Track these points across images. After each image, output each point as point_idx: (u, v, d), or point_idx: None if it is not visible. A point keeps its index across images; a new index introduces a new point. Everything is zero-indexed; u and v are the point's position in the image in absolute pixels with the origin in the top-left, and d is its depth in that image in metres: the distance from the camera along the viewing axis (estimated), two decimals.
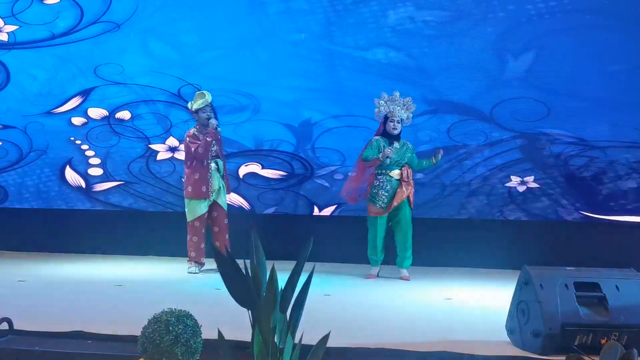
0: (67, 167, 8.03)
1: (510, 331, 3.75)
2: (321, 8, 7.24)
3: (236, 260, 2.84)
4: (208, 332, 3.05)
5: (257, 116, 7.59)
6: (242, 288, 2.79)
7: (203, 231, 6.55)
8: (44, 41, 7.81)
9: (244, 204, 7.76)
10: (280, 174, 7.66)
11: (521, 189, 7.19)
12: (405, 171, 6.28)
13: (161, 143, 7.82)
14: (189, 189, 6.52)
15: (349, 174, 7.03)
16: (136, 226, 7.82)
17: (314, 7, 7.26)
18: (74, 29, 7.77)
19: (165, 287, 5.78)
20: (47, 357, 3.50)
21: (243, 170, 7.73)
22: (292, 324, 2.81)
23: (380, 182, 6.32)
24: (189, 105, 6.68)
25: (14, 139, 8.09)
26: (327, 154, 7.51)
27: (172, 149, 7.81)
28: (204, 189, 6.46)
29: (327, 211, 7.59)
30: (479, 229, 7.21)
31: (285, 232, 7.21)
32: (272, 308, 2.76)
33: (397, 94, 6.36)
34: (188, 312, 3.05)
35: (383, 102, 6.35)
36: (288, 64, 7.45)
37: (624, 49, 6.81)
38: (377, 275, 6.39)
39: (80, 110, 7.91)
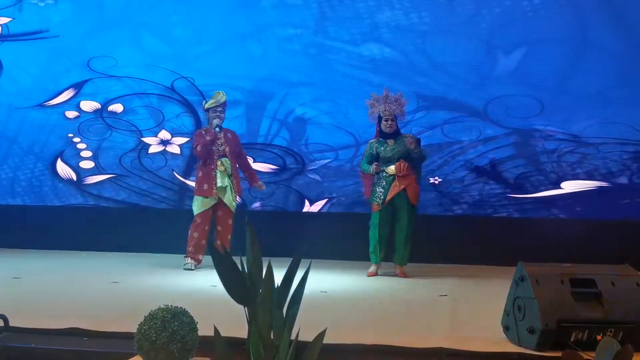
0: (59, 160, 7.99)
1: (506, 327, 3.76)
2: (316, 2, 7.24)
3: (232, 256, 2.83)
4: (204, 329, 3.03)
5: (250, 110, 7.58)
6: (238, 285, 2.79)
7: (205, 228, 6.55)
8: (36, 34, 7.77)
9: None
10: (272, 168, 7.65)
11: (515, 185, 7.20)
12: (400, 166, 6.26)
13: (153, 136, 7.79)
14: (196, 186, 6.64)
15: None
16: (131, 222, 7.78)
17: (309, 1, 7.25)
18: (67, 22, 7.74)
19: (161, 284, 5.76)
20: (43, 354, 3.48)
21: None
22: (289, 321, 2.81)
23: (378, 179, 6.35)
24: (203, 103, 6.70)
25: (4, 132, 8.04)
26: (320, 149, 7.51)
27: (164, 142, 7.78)
28: (205, 186, 6.50)
29: (318, 205, 7.58)
30: (473, 225, 7.22)
31: (276, 228, 7.20)
32: (268, 305, 2.76)
33: (387, 90, 6.33)
34: (184, 308, 3.03)
35: (374, 102, 6.33)
36: (281, 59, 7.44)
37: (617, 46, 6.86)
38: (377, 273, 6.37)
39: (72, 103, 7.88)
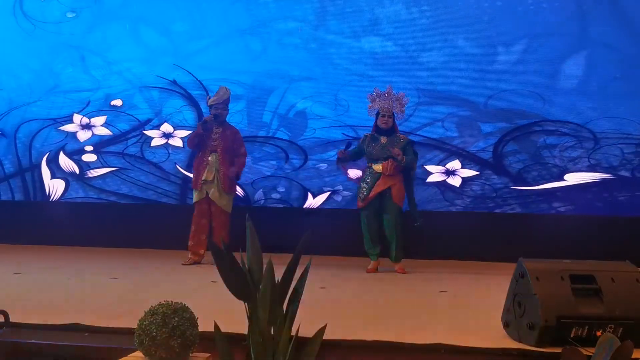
0: (61, 153, 7.98)
1: (506, 324, 3.76)
2: None
3: (233, 252, 2.83)
4: (204, 325, 3.04)
5: (251, 105, 7.57)
6: (239, 281, 2.79)
7: (202, 222, 6.58)
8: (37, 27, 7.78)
9: (239, 191, 7.73)
10: (274, 162, 7.65)
11: (516, 179, 7.19)
12: (387, 165, 6.24)
13: (155, 129, 7.79)
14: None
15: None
16: (132, 218, 7.76)
17: None
18: (67, 16, 7.74)
19: (161, 280, 5.77)
20: (43, 350, 3.49)
21: None
22: (289, 317, 2.82)
23: (364, 175, 6.37)
24: (207, 98, 6.75)
25: (5, 127, 8.04)
26: (321, 143, 7.49)
27: (167, 135, 7.77)
28: (194, 179, 6.66)
29: (321, 197, 7.56)
30: (474, 221, 7.21)
31: (278, 224, 7.18)
32: (268, 301, 2.76)
33: (390, 88, 6.33)
34: (184, 304, 3.05)
35: (375, 97, 6.33)
36: (282, 53, 7.43)
37: (619, 40, 6.84)
38: (377, 270, 6.37)
39: (74, 97, 7.87)
